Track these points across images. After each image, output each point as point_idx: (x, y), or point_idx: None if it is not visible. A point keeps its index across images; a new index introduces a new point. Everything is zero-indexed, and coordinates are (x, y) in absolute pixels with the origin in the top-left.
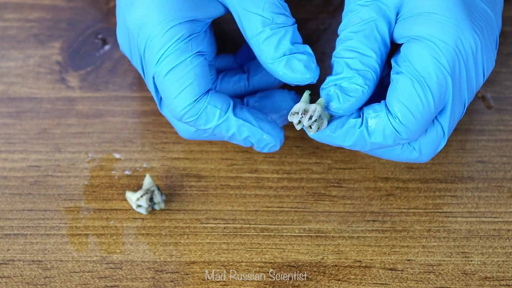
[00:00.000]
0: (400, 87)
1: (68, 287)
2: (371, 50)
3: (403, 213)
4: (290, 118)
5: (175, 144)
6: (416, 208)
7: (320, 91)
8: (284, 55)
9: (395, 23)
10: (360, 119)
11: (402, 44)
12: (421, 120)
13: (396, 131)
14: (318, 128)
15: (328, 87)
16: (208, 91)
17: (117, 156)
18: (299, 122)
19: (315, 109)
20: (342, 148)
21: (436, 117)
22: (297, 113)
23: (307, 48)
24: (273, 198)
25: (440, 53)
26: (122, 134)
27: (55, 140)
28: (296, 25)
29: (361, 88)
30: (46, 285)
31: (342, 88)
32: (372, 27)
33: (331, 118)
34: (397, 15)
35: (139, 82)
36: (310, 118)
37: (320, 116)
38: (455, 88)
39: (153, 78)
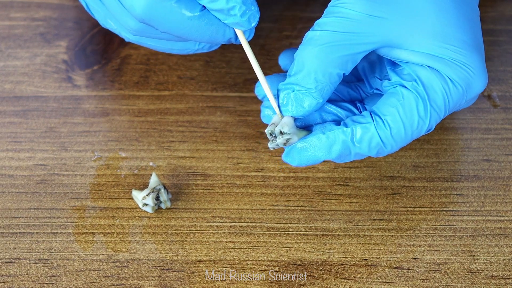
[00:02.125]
0: (405, 101)
1: (74, 286)
2: (338, 68)
3: (409, 211)
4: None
5: (181, 143)
6: (422, 206)
7: (278, 91)
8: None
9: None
10: (346, 129)
11: (408, 62)
12: (408, 137)
13: (382, 142)
14: (287, 141)
15: (287, 90)
16: None
17: (123, 154)
18: (272, 135)
19: (282, 122)
20: None
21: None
22: (271, 134)
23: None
24: (279, 196)
25: (452, 90)
26: (128, 133)
27: (61, 139)
28: None
29: (316, 100)
30: (52, 283)
31: (298, 98)
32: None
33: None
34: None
35: (145, 81)
36: (281, 133)
37: (285, 132)
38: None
39: None
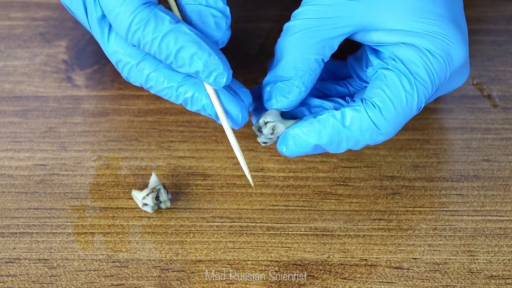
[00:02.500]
0: (388, 80)
1: (74, 286)
2: (315, 53)
3: (409, 211)
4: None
5: (181, 142)
6: (422, 206)
7: (262, 88)
8: (199, 4)
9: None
10: (336, 112)
11: (385, 45)
12: (401, 116)
13: (374, 124)
14: (273, 131)
15: (269, 83)
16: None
17: (123, 154)
18: (260, 131)
19: (268, 113)
20: None
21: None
22: (259, 129)
23: (226, 9)
24: (279, 196)
25: (432, 61)
26: (128, 133)
27: (61, 139)
28: None
29: (298, 89)
30: (52, 283)
31: (280, 89)
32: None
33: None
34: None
35: None
36: (266, 123)
37: (271, 122)
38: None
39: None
